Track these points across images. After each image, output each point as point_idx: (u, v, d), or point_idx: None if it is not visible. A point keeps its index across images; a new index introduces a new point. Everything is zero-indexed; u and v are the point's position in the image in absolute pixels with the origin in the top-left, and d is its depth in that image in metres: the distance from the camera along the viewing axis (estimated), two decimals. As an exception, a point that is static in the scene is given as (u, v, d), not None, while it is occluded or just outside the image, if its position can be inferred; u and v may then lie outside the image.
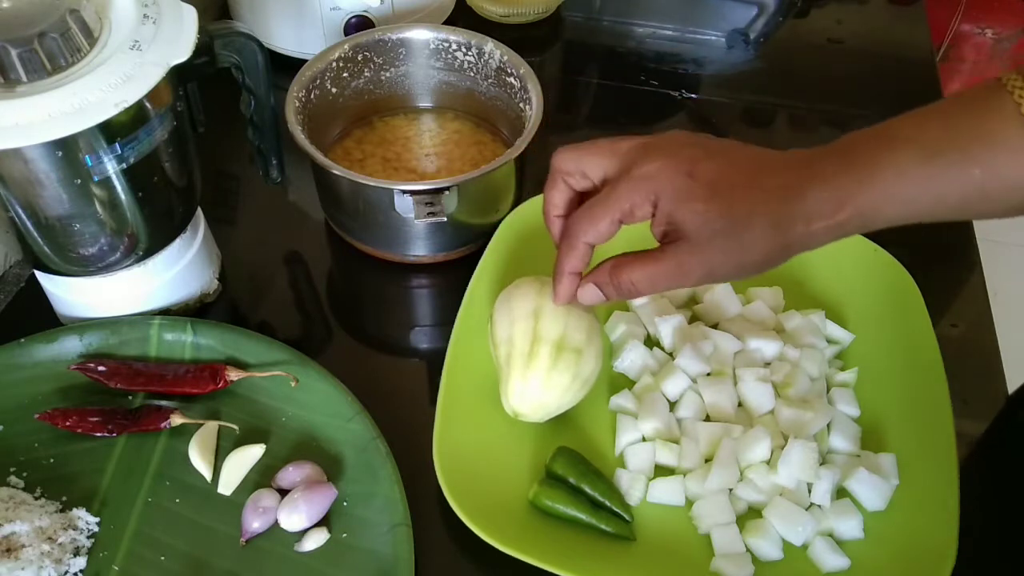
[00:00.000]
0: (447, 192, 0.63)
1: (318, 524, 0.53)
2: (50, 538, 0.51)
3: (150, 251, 0.60)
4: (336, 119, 0.76)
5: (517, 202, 0.71)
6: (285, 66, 0.78)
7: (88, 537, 0.53)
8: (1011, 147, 0.41)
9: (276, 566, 0.52)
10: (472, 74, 0.76)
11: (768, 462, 0.55)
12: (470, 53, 0.75)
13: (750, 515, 0.55)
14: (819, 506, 0.54)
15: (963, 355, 0.64)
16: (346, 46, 0.73)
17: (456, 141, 0.77)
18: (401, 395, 0.62)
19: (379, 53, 0.75)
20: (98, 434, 0.57)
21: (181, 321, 0.62)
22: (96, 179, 0.52)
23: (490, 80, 0.75)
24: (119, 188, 0.54)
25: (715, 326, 0.64)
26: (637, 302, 0.65)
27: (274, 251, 0.73)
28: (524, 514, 0.54)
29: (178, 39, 0.53)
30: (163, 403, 0.59)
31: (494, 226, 0.68)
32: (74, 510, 0.54)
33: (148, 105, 0.52)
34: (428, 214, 0.62)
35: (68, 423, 0.57)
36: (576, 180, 0.51)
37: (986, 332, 0.67)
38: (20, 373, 0.59)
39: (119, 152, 0.51)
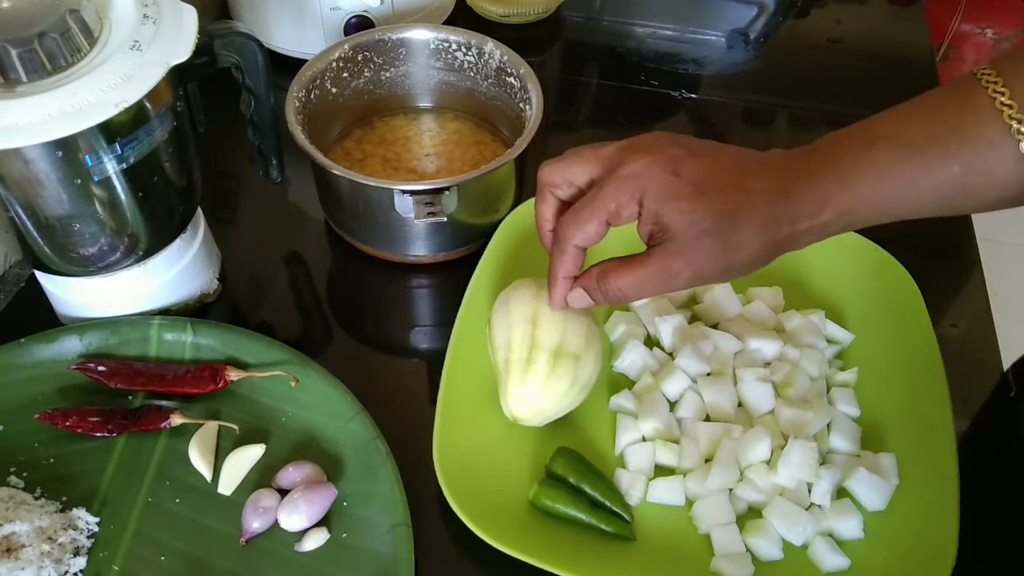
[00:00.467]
0: (447, 192, 0.63)
1: (318, 524, 0.53)
2: (50, 538, 0.51)
3: (150, 251, 0.60)
4: (336, 119, 0.76)
5: (517, 202, 0.71)
6: (285, 66, 0.78)
7: (88, 537, 0.53)
8: (987, 141, 0.41)
9: (276, 566, 0.52)
10: (472, 74, 0.76)
11: (768, 462, 0.55)
12: (470, 53, 0.75)
13: (750, 515, 0.55)
14: (819, 506, 0.54)
15: (963, 355, 0.64)
16: (346, 46, 0.73)
17: (456, 141, 0.77)
18: (401, 395, 0.62)
19: (379, 53, 0.75)
20: (98, 434, 0.57)
21: (181, 321, 0.62)
22: (96, 179, 0.52)
23: (490, 80, 0.75)
24: (119, 188, 0.54)
25: (715, 326, 0.64)
26: (637, 302, 0.65)
27: (274, 251, 0.73)
28: (524, 514, 0.54)
29: (178, 39, 0.53)
30: (163, 403, 0.59)
31: (494, 226, 0.68)
32: (74, 510, 0.54)
33: (148, 105, 0.51)
34: (428, 214, 0.62)
35: (68, 423, 0.57)
36: (563, 191, 0.51)
37: (986, 332, 0.67)
38: (20, 373, 0.59)
39: (119, 152, 0.51)
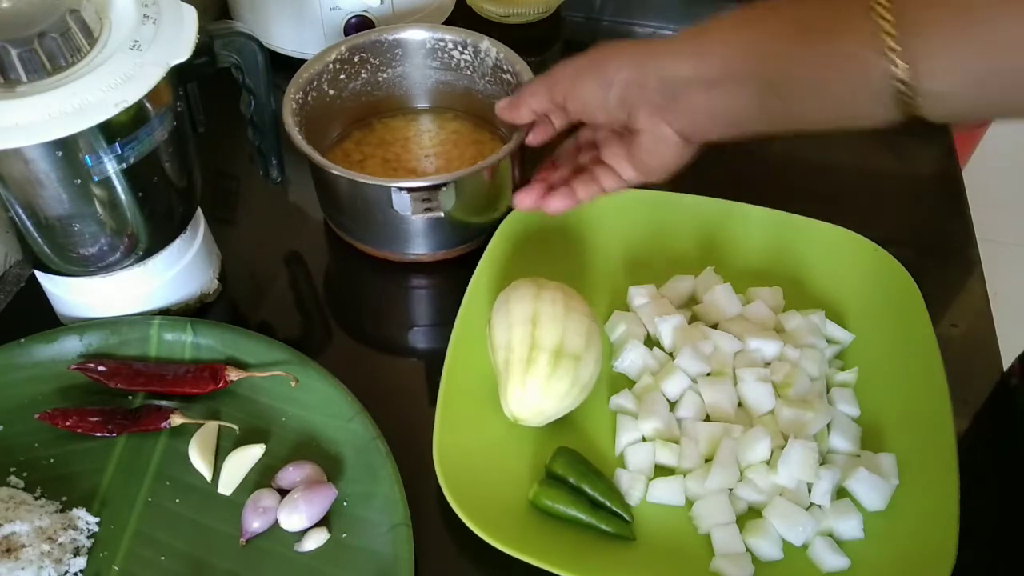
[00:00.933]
0: (444, 188, 0.63)
1: (318, 524, 0.53)
2: (50, 538, 0.51)
3: (150, 251, 0.60)
4: (335, 121, 0.76)
5: (516, 201, 0.71)
6: (285, 66, 0.78)
7: (88, 537, 0.53)
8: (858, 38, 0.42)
9: (276, 566, 0.52)
10: (469, 73, 0.76)
11: (768, 462, 0.55)
12: (466, 52, 0.75)
13: (750, 515, 0.55)
14: (819, 506, 0.54)
15: (963, 355, 0.64)
16: (342, 47, 0.73)
17: (455, 141, 0.77)
18: (401, 395, 0.62)
19: (375, 54, 0.75)
20: (98, 434, 0.57)
21: (181, 321, 0.62)
22: (96, 179, 0.52)
23: (487, 78, 0.75)
24: (119, 188, 0.54)
25: (715, 326, 0.63)
26: (637, 302, 0.64)
27: (274, 251, 0.73)
28: (524, 514, 0.54)
29: (178, 39, 0.53)
30: (163, 403, 0.59)
31: (493, 224, 0.67)
32: (74, 510, 0.54)
33: (148, 105, 0.52)
34: (425, 210, 0.62)
35: (68, 423, 0.57)
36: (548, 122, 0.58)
37: (986, 332, 0.67)
38: (20, 373, 0.59)
39: (119, 152, 0.51)
